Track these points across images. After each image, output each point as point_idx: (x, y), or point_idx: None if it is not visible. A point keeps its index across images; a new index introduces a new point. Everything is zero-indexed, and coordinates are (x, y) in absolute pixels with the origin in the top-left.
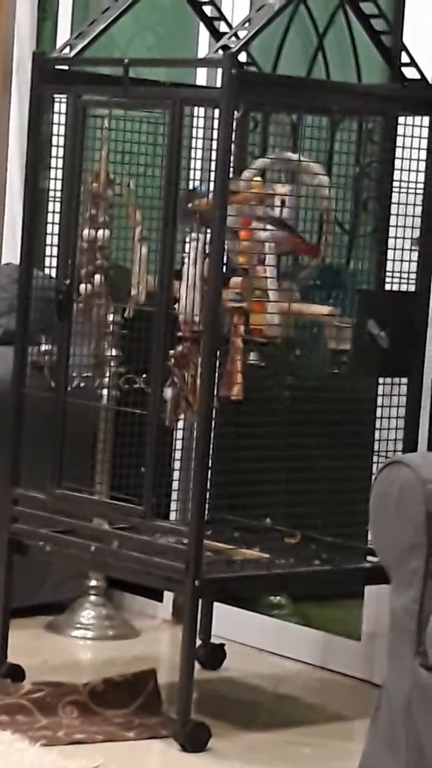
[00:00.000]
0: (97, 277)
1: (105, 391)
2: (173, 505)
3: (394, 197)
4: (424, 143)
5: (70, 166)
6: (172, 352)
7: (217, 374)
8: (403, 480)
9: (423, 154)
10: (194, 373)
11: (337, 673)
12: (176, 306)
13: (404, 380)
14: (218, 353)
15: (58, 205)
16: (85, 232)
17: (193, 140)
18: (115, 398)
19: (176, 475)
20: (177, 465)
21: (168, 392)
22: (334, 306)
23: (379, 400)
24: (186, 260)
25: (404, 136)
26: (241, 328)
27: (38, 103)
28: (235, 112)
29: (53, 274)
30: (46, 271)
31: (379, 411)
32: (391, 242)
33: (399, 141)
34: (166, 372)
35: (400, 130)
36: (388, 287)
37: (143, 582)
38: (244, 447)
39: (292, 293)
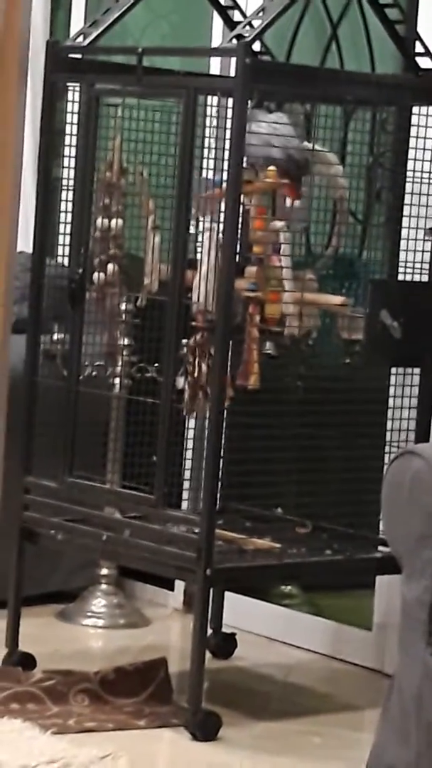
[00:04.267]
0: (111, 266)
1: (117, 380)
2: (185, 495)
3: (408, 187)
4: None
5: (83, 155)
6: (187, 341)
7: (232, 364)
8: (415, 470)
9: None
10: (210, 362)
11: (348, 662)
12: (191, 296)
13: (417, 370)
14: (231, 343)
15: (71, 194)
16: (99, 221)
17: (207, 129)
18: (127, 387)
19: (188, 464)
20: (189, 454)
21: (180, 381)
22: (347, 296)
23: (392, 390)
24: (200, 250)
25: (418, 126)
26: (256, 318)
27: (51, 91)
28: (249, 102)
29: (66, 263)
30: (59, 259)
31: (391, 401)
32: (404, 232)
33: (413, 131)
34: (179, 361)
35: (414, 119)
36: (401, 277)
37: (154, 571)
38: (255, 437)
39: (312, 283)
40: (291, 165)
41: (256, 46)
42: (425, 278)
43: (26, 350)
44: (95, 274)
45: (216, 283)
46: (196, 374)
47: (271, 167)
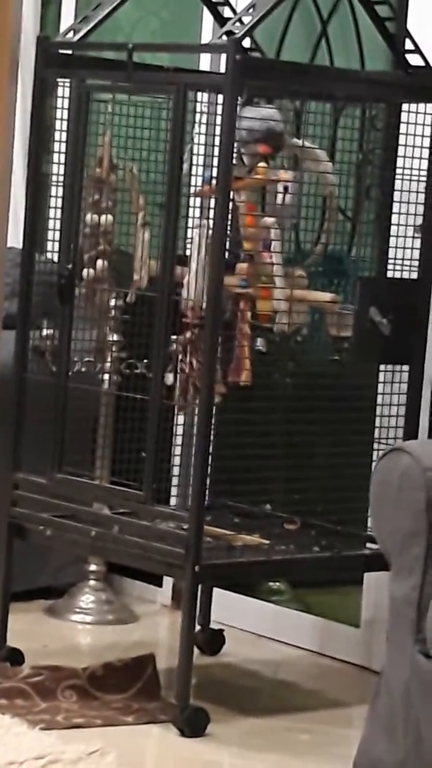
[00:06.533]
0: (100, 262)
1: (106, 376)
2: (173, 491)
3: (397, 184)
4: (428, 130)
5: (73, 151)
6: (178, 338)
7: (223, 360)
8: (403, 467)
9: (426, 141)
10: (201, 359)
11: (335, 659)
12: (182, 292)
13: (405, 368)
14: (221, 339)
15: (60, 190)
16: (88, 217)
17: (197, 126)
18: (117, 383)
19: (177, 460)
20: (177, 450)
21: (169, 377)
22: (336, 293)
23: (380, 387)
24: (191, 246)
25: (408, 123)
26: (247, 314)
27: (41, 87)
28: (239, 98)
29: (55, 259)
30: (48, 255)
31: (380, 398)
32: (393, 229)
33: (402, 128)
34: (168, 357)
35: (404, 117)
36: (390, 274)
37: (143, 567)
38: (244, 433)
39: (302, 280)
40: (270, 135)
41: (246, 43)
42: (414, 275)
43: (15, 346)
44: (84, 270)
45: (206, 279)
46: (187, 370)
47: (261, 164)
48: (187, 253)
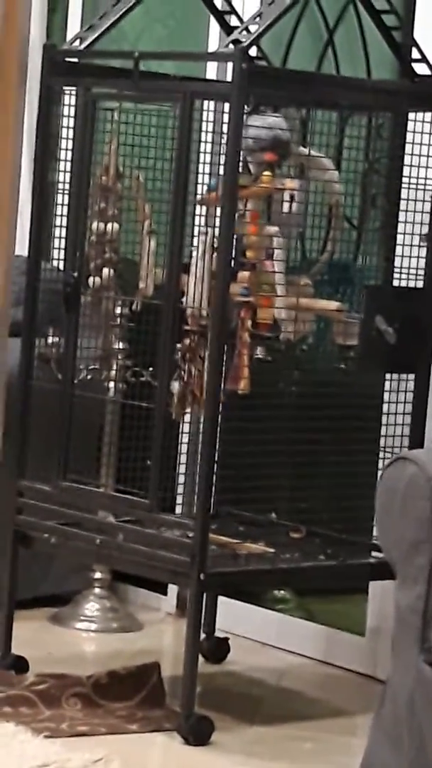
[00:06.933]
0: (106, 270)
1: (112, 384)
2: (179, 499)
3: (403, 193)
4: None
5: (79, 159)
6: (179, 345)
7: (224, 368)
8: (409, 476)
9: None
10: (201, 366)
11: (340, 668)
12: (184, 299)
13: (411, 376)
14: (225, 347)
15: (66, 198)
16: (94, 225)
17: (203, 134)
18: (122, 391)
19: (182, 468)
20: (183, 458)
21: (175, 386)
22: (341, 301)
23: (386, 395)
24: (195, 253)
25: (414, 132)
26: (248, 323)
27: (48, 95)
28: (245, 106)
29: (61, 267)
30: (54, 263)
31: (385, 407)
32: (399, 238)
33: (408, 137)
34: (173, 365)
35: (410, 126)
36: (396, 283)
37: (148, 575)
38: (250, 441)
39: (308, 288)
40: (276, 143)
41: (253, 51)
42: (420, 284)
43: (21, 353)
44: (90, 278)
45: (209, 287)
46: (186, 378)
47: (267, 172)
48: (192, 260)
